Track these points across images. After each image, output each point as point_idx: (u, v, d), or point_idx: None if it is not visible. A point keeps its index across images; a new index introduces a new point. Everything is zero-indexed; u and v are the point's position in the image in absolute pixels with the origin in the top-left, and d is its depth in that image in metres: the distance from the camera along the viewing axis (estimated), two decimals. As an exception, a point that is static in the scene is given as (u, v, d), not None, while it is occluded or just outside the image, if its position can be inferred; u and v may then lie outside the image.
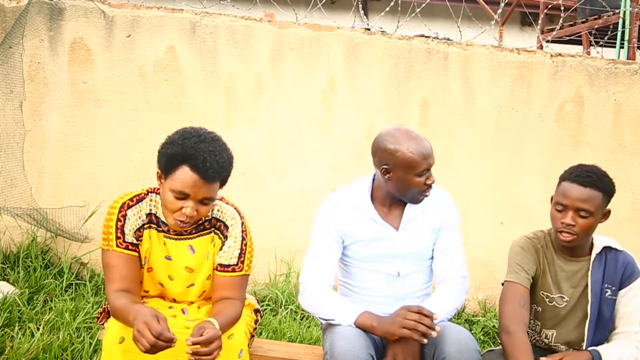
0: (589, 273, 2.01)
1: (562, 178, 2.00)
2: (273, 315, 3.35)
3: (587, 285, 2.01)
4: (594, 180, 1.94)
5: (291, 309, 3.43)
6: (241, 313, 1.85)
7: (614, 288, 2.01)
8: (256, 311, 2.08)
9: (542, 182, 3.73)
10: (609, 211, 2.00)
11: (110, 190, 3.56)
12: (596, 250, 2.03)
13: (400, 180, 1.94)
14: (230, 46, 3.58)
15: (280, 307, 3.44)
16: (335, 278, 2.13)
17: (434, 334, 1.76)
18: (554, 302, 2.05)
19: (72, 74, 3.54)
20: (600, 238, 2.06)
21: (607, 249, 2.04)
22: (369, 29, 3.72)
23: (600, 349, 1.90)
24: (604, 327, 2.03)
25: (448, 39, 3.77)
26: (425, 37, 3.73)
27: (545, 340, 2.09)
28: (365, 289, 2.09)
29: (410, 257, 2.07)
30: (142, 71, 3.58)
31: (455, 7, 4.35)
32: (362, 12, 3.92)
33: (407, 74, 3.67)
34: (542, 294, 2.07)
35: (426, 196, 1.98)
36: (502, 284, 2.06)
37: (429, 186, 1.96)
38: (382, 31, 3.74)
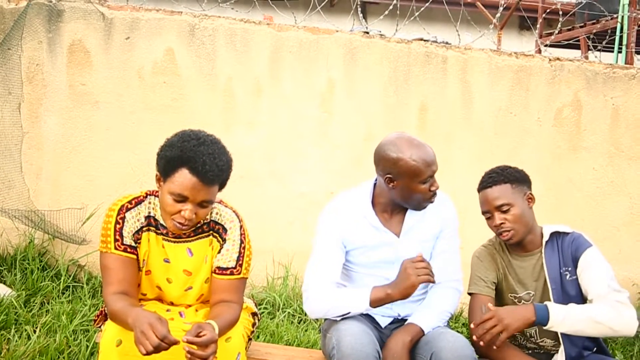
0: (544, 263, 2.05)
1: (477, 191, 2.11)
2: (270, 319, 3.35)
3: (545, 275, 2.06)
4: (495, 177, 2.04)
5: (289, 313, 3.43)
6: (239, 316, 1.84)
7: (570, 269, 2.05)
8: (254, 314, 2.08)
9: (540, 186, 3.74)
10: (531, 194, 2.08)
11: (108, 193, 3.55)
12: (545, 238, 2.08)
13: (405, 189, 1.95)
14: (229, 49, 3.59)
15: (278, 311, 3.43)
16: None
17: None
18: (522, 300, 2.09)
19: (70, 76, 3.54)
20: (550, 227, 2.11)
21: (557, 236, 2.08)
22: (367, 33, 3.75)
23: (549, 303, 1.93)
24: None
25: (447, 43, 3.80)
26: (424, 40, 3.76)
27: (532, 339, 2.12)
28: (365, 293, 2.08)
29: None
30: (140, 73, 3.58)
31: (454, 11, 4.35)
32: (360, 15, 3.97)
33: (406, 78, 3.69)
34: (510, 296, 2.12)
35: (431, 202, 2.00)
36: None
37: (434, 193, 1.98)
38: (381, 35, 3.78)
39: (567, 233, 2.09)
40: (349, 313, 1.94)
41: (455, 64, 3.69)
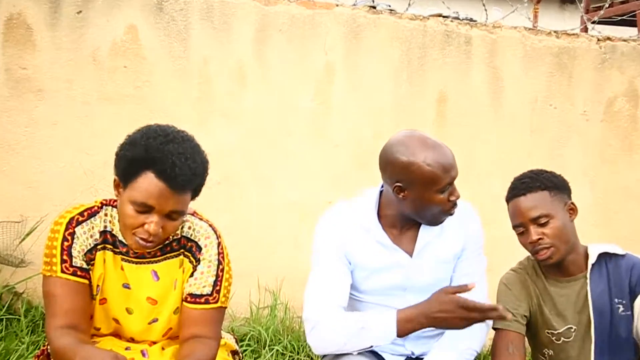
0: (588, 288, 2.05)
1: (506, 201, 2.14)
2: (255, 358, 3.35)
3: (589, 305, 2.06)
4: (529, 183, 2.06)
5: (277, 350, 3.42)
6: (216, 355, 1.84)
7: (625, 302, 2.03)
8: (234, 353, 2.07)
9: (587, 193, 3.76)
10: (573, 204, 2.10)
11: (54, 202, 3.54)
12: (591, 260, 2.07)
13: (418, 199, 1.97)
14: (205, 27, 3.61)
15: (264, 348, 3.43)
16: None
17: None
18: (562, 338, 2.10)
19: (7, 58, 3.53)
20: (596, 246, 2.12)
21: (606, 258, 2.08)
22: (374, 7, 3.76)
23: None
24: (623, 351, 2.04)
25: (471, 20, 3.84)
26: (443, 17, 3.78)
27: None
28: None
29: (427, 290, 2.07)
30: (95, 56, 3.58)
31: (480, -20, 4.30)
32: (366, -14, 3.96)
33: (421, 63, 3.73)
34: (547, 332, 2.12)
35: (450, 215, 2.01)
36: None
37: (454, 203, 1.99)
38: (391, 10, 3.80)
39: (621, 255, 2.08)
40: (374, 345, 1.93)
41: (482, 46, 3.73)
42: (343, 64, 3.69)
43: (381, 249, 2.06)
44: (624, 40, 3.79)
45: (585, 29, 4.85)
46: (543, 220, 2.01)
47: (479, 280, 2.09)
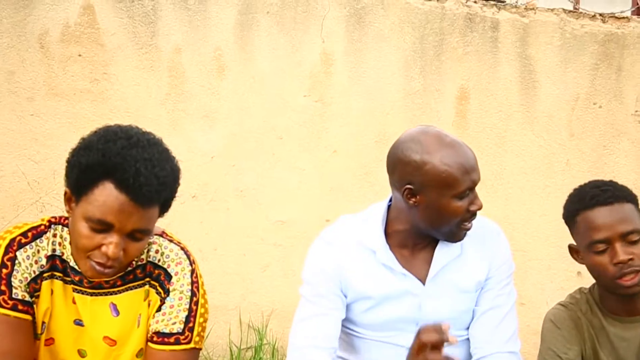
0: None
1: (572, 213, 2.10)
2: (236, 410, 3.38)
3: None
4: (615, 192, 2.03)
5: (263, 401, 3.44)
6: (188, 409, 1.84)
7: None
8: (211, 404, 2.06)
9: None
10: None
11: (-9, 220, 3.53)
12: None
13: (432, 206, 1.98)
14: (177, 7, 3.62)
15: (247, 398, 3.47)
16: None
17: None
18: None
19: None
20: None
21: None
22: (382, -15, 3.76)
23: None
24: None
25: (499, 1, 3.85)
26: (465, -3, 3.78)
27: None
28: (375, 371, 2.10)
29: None
30: (43, 42, 3.59)
31: (509, -47, 4.33)
32: (372, -39, 3.96)
33: (438, 52, 3.73)
34: None
35: (468, 229, 2.02)
36: None
37: (473, 214, 2.00)
38: (402, -12, 3.77)
39: None
40: None
41: (511, 32, 3.74)
42: (343, 53, 3.70)
43: (388, 275, 2.07)
44: (686, 25, 3.82)
45: (638, 12, 4.85)
46: (635, 238, 1.98)
47: (506, 316, 2.10)
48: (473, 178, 1.96)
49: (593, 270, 2.08)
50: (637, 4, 4.68)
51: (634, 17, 3.85)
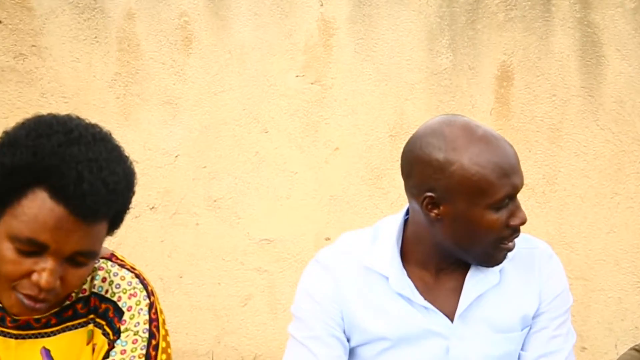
0: None
1: None
2: None
3: None
4: None
5: None
6: None
7: None
8: None
9: None
10: None
11: None
12: None
13: (461, 220, 1.76)
14: (130, -41, 3.38)
15: None
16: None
17: None
18: None
19: None
20: None
21: None
22: None
23: None
24: None
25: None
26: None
27: None
28: None
29: None
30: (-48, 5, 3.38)
31: None
32: None
33: (472, 19, 3.49)
34: None
35: (509, 250, 1.79)
36: None
37: (515, 229, 1.77)
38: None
39: None
40: None
41: (567, -7, 3.38)
42: (347, 20, 3.47)
43: (406, 308, 1.83)
44: None
45: None
46: None
47: None
48: (514, 182, 1.75)
49: None
50: None
51: None
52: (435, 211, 1.76)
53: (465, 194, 1.74)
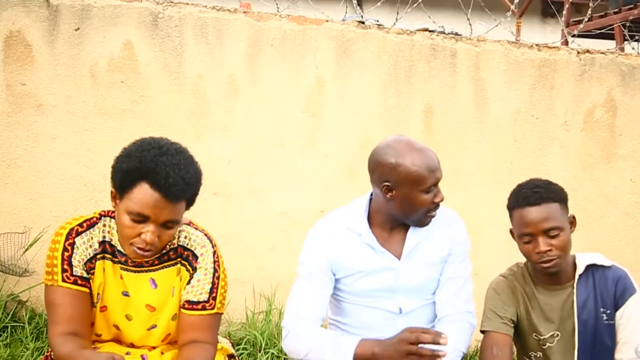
0: (574, 299, 2.09)
1: (511, 207, 2.13)
2: (251, 362, 3.39)
3: (574, 313, 2.10)
4: (542, 193, 2.06)
5: (272, 354, 3.42)
6: (213, 359, 1.87)
7: (609, 311, 2.07)
8: (230, 357, 2.08)
9: (569, 201, 3.78)
10: (573, 217, 2.12)
11: (55, 214, 3.54)
12: (579, 270, 2.11)
13: (405, 199, 2.00)
14: (199, 42, 3.62)
15: (260, 352, 3.43)
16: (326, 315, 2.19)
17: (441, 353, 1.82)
18: (547, 343, 2.13)
19: (8, 74, 3.52)
20: (583, 256, 2.15)
21: (593, 268, 2.12)
22: (363, 22, 3.79)
23: None
24: (606, 358, 2.08)
25: (456, 34, 3.90)
26: (430, 31, 3.81)
27: None
28: (361, 329, 2.12)
29: (415, 291, 2.14)
30: (93, 71, 3.59)
31: (464, -5, 4.35)
32: (355, 2, 3.96)
33: (408, 75, 3.75)
34: (534, 337, 2.16)
35: (432, 217, 2.05)
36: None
37: (437, 204, 2.03)
38: (379, 25, 3.83)
39: (607, 267, 2.12)
40: None
41: (467, 59, 3.76)
42: (333, 77, 3.72)
43: (371, 252, 2.08)
44: (602, 53, 3.85)
45: (566, 42, 4.92)
46: (554, 233, 2.02)
47: (464, 283, 2.17)
48: (437, 176, 2.00)
49: (522, 253, 2.14)
50: (565, 36, 4.74)
51: (563, 46, 3.91)
52: (390, 194, 2.02)
53: (408, 184, 1.99)
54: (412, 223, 2.07)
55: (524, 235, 2.07)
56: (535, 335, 2.15)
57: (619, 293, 2.06)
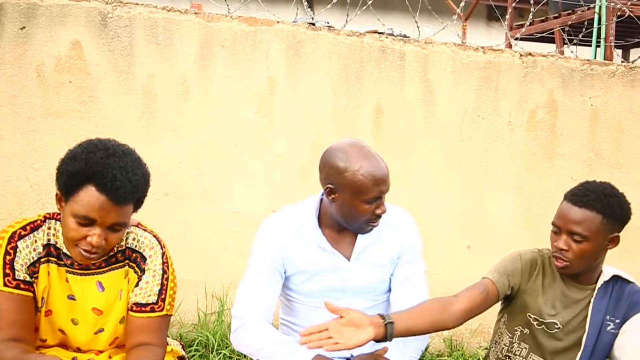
0: (592, 301, 2.09)
1: (564, 196, 2.10)
2: (203, 363, 3.35)
3: (587, 315, 2.10)
4: (591, 200, 2.01)
5: (224, 354, 3.41)
6: (162, 362, 1.83)
7: (617, 321, 2.09)
8: (181, 359, 2.07)
9: (513, 198, 3.87)
10: (617, 237, 2.07)
11: (1, 217, 3.46)
12: (604, 277, 2.11)
13: (346, 205, 1.98)
14: (149, 42, 3.59)
15: (212, 353, 3.42)
16: (276, 315, 2.17)
17: None
18: (544, 326, 2.13)
19: (-49, 75, 3.44)
20: (612, 269, 2.15)
21: (614, 280, 2.13)
22: (313, 24, 3.80)
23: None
24: None
25: (405, 36, 3.88)
26: (379, 33, 3.83)
27: None
28: (311, 330, 2.14)
29: (364, 292, 2.12)
30: (40, 71, 3.52)
31: (412, -1, 4.38)
32: (305, 4, 3.97)
33: (358, 76, 3.78)
34: (530, 316, 2.14)
35: (374, 227, 2.02)
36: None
37: (378, 216, 2.00)
38: (329, 26, 3.83)
39: (628, 282, 2.14)
40: None
41: (415, 60, 3.80)
42: (284, 78, 3.72)
43: (321, 253, 2.07)
44: (544, 56, 3.92)
45: (510, 45, 5.02)
46: (579, 239, 2.01)
47: (419, 283, 2.14)
48: (382, 189, 1.96)
49: (550, 239, 2.13)
50: (509, 39, 4.84)
51: (507, 49, 3.95)
52: (332, 196, 1.99)
53: (351, 191, 1.95)
54: (352, 229, 2.05)
55: (555, 225, 2.07)
56: (530, 315, 2.14)
57: (630, 306, 2.09)
